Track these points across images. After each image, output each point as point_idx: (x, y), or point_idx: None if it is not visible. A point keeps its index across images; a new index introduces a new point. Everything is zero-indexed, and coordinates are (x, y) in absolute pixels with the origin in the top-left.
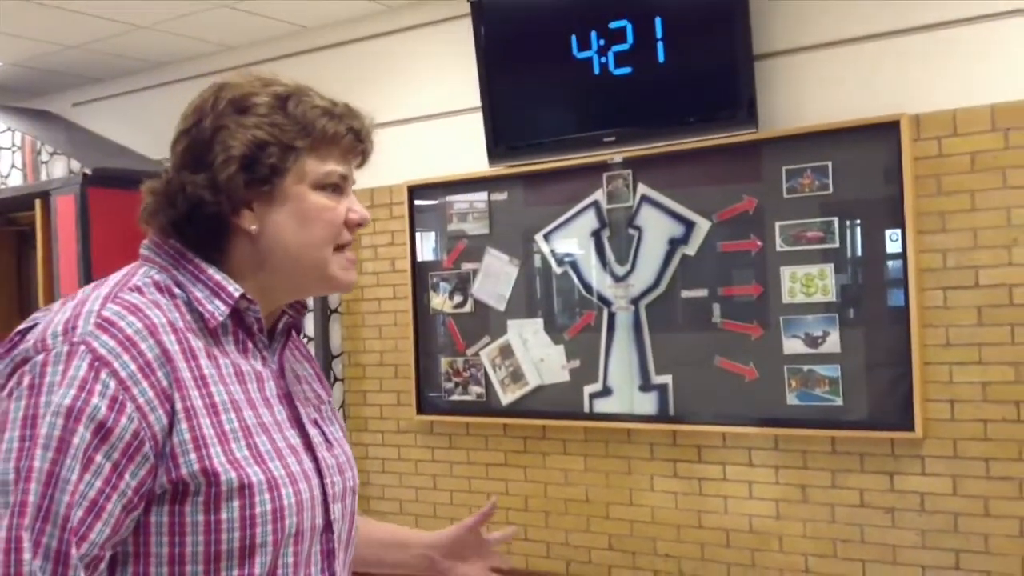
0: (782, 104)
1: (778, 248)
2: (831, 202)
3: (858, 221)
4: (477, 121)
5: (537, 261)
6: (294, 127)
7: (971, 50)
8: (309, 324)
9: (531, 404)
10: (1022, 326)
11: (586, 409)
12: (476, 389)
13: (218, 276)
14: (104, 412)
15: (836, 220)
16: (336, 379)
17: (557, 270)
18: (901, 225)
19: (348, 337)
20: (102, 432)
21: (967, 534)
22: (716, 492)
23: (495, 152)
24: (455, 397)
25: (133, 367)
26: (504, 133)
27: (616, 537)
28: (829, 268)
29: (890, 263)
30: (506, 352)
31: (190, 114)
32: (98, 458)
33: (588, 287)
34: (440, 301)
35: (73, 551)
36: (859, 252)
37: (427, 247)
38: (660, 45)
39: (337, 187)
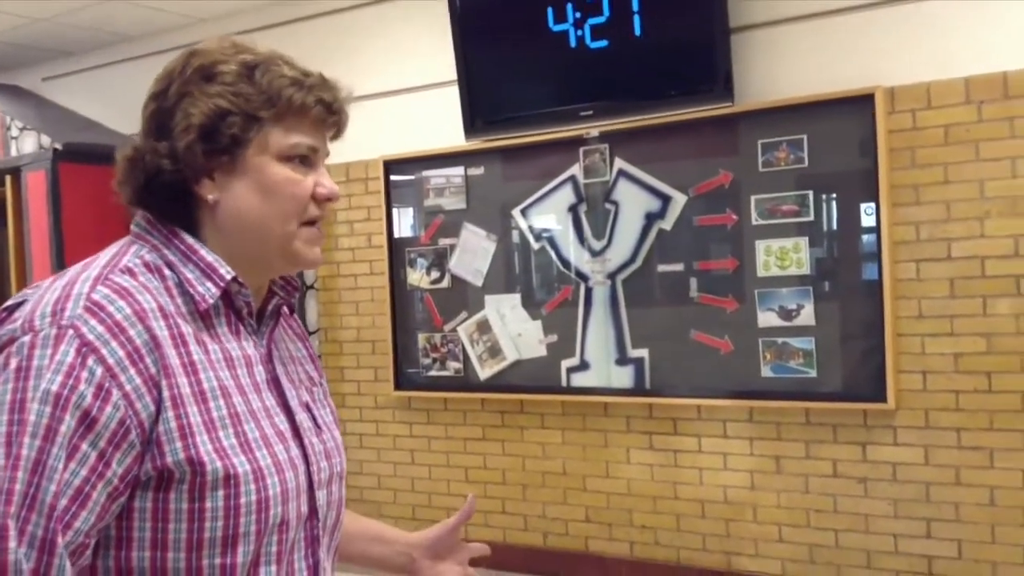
0: (758, 77)
1: (753, 222)
2: (806, 175)
3: (833, 194)
4: (453, 95)
5: (514, 236)
6: (259, 97)
7: (946, 23)
8: None
9: (509, 379)
10: (994, 298)
11: (563, 383)
12: (454, 364)
13: (210, 257)
14: (89, 400)
15: (811, 194)
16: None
17: (534, 245)
18: (875, 198)
19: (325, 314)
20: (87, 421)
21: (938, 503)
22: (692, 464)
23: (472, 126)
24: (433, 373)
25: (121, 354)
26: (481, 107)
27: (593, 509)
28: (804, 241)
29: (864, 236)
30: (484, 327)
31: (159, 80)
32: (84, 446)
33: (565, 262)
34: (417, 277)
35: (59, 539)
36: (833, 225)
37: (404, 222)
38: (636, 18)
39: (305, 159)
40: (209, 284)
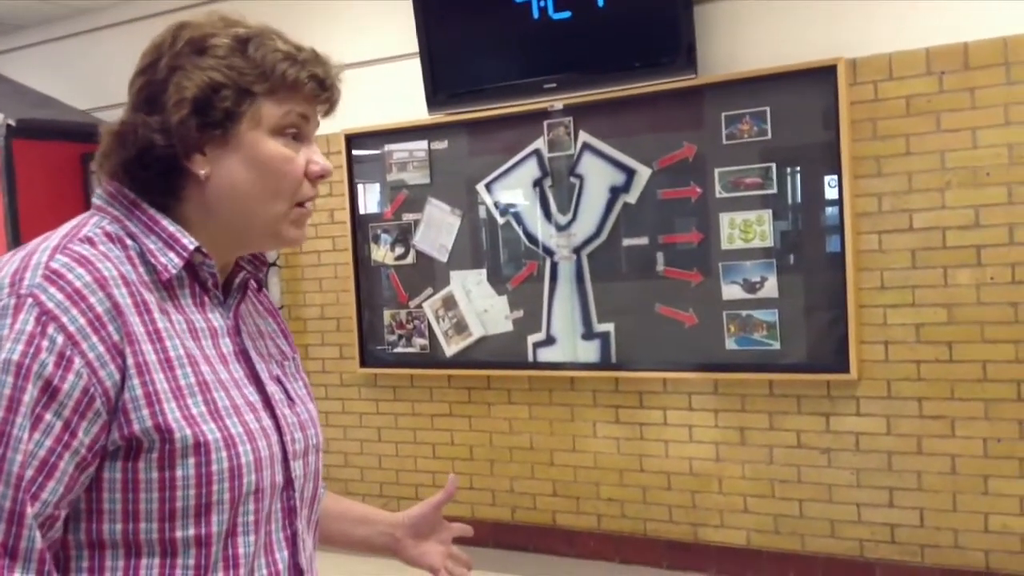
0: (721, 49)
1: (717, 195)
2: (769, 148)
3: (796, 167)
4: (415, 68)
5: (479, 211)
6: (252, 71)
7: None
8: None
9: (475, 355)
10: (954, 268)
11: (530, 358)
12: (420, 341)
13: (172, 228)
14: (51, 369)
15: (774, 166)
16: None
17: (499, 220)
18: (838, 170)
19: (288, 291)
20: (50, 390)
21: (900, 472)
22: (657, 437)
23: (434, 99)
24: (399, 349)
25: (82, 321)
26: (443, 80)
27: (560, 483)
28: (767, 214)
29: (827, 208)
30: (449, 303)
31: (148, 53)
32: (48, 416)
33: (531, 237)
34: (382, 253)
35: (27, 510)
36: (797, 198)
37: (367, 198)
38: None
39: (297, 134)
40: (171, 254)
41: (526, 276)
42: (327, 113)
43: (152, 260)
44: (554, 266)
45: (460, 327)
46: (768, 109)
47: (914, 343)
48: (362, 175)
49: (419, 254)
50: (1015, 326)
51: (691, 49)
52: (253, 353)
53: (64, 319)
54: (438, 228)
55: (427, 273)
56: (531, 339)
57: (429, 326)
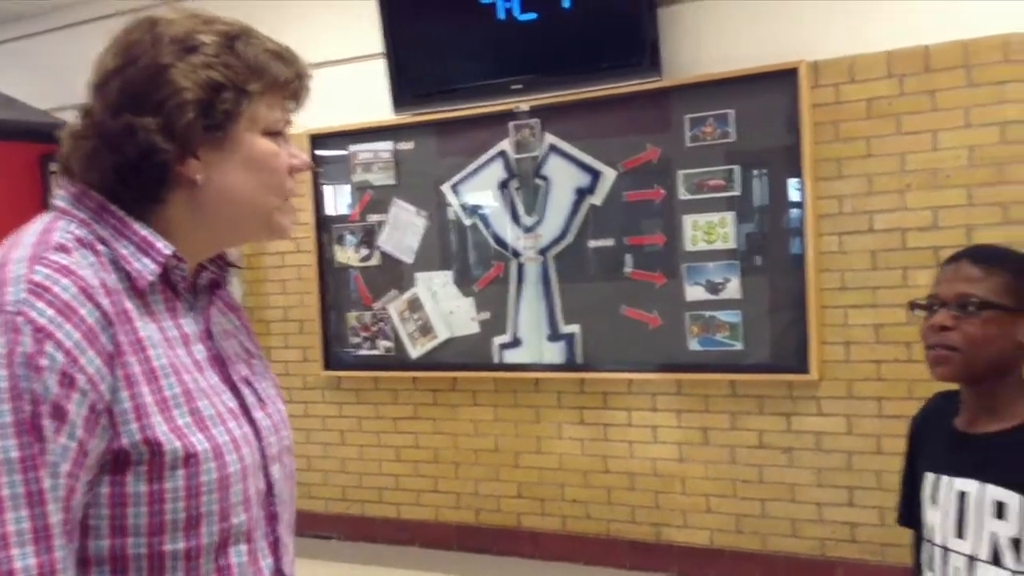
0: (685, 52)
1: (681, 197)
2: (733, 150)
3: (759, 169)
4: (380, 68)
5: (445, 212)
6: (245, 70)
7: None
8: None
9: (441, 356)
10: (914, 269)
11: (496, 360)
12: (384, 343)
13: (144, 231)
14: (56, 390)
15: (737, 168)
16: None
17: (465, 221)
18: (799, 172)
19: (250, 293)
20: (59, 413)
21: (860, 471)
22: (621, 437)
23: (400, 100)
24: (363, 352)
25: (78, 335)
26: (409, 80)
27: (525, 485)
28: (730, 216)
29: (789, 210)
30: (415, 305)
31: (120, 51)
32: (62, 440)
33: (497, 238)
34: (346, 254)
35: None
36: (759, 200)
37: (332, 199)
38: None
39: (281, 133)
40: (146, 260)
41: (492, 278)
42: (295, 110)
43: (126, 266)
44: (520, 268)
45: (425, 329)
46: (731, 112)
47: (874, 343)
48: (327, 176)
49: (384, 255)
50: None
51: (655, 52)
52: (225, 357)
53: (59, 335)
54: (404, 229)
55: (392, 275)
56: (497, 341)
57: (394, 328)
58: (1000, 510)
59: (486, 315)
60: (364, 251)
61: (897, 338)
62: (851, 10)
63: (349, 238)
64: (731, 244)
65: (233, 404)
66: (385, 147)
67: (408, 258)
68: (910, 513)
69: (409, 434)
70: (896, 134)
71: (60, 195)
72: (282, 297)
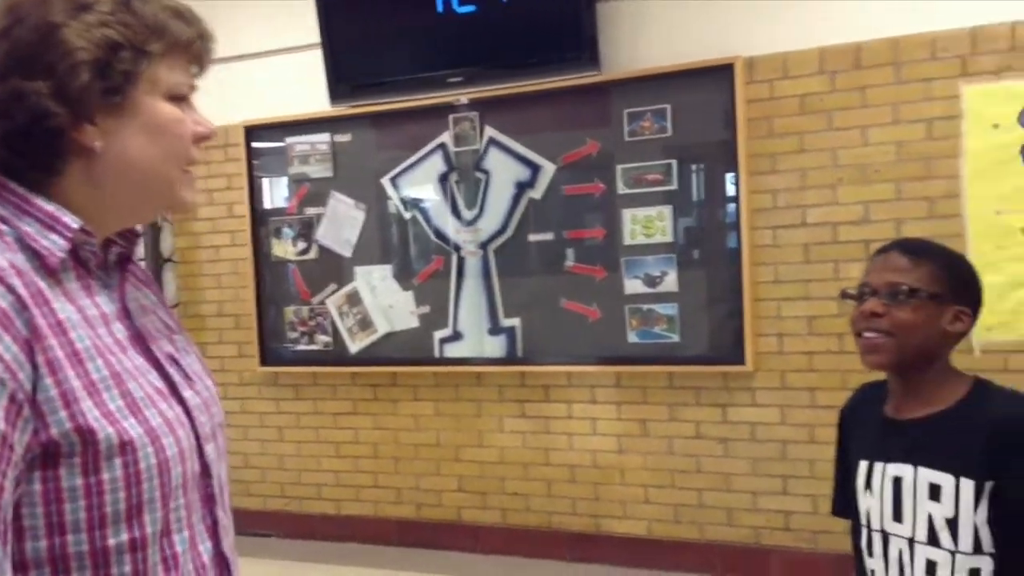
0: (624, 47)
1: (620, 191)
2: (670, 145)
3: (695, 164)
4: (317, 59)
5: (385, 205)
6: (144, 28)
7: None
8: None
9: (380, 351)
10: (845, 262)
11: (436, 354)
12: (323, 338)
13: (49, 207)
14: None
15: (675, 163)
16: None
17: (405, 214)
18: (735, 167)
19: (184, 287)
20: None
21: (794, 460)
22: (562, 430)
23: (337, 91)
24: (301, 347)
25: None
26: (346, 71)
27: (466, 479)
28: (668, 210)
29: (725, 204)
30: (353, 299)
31: (5, 12)
32: None
33: (437, 232)
34: (283, 248)
35: None
36: (696, 194)
37: (268, 191)
38: None
39: (184, 98)
40: (54, 236)
41: (432, 271)
42: (198, 74)
43: (33, 245)
44: (461, 261)
45: (365, 323)
46: (668, 107)
47: (807, 335)
48: (262, 168)
49: (322, 249)
50: None
51: (594, 46)
52: (147, 334)
53: None
54: (342, 222)
55: (331, 269)
56: (437, 335)
57: (333, 323)
58: (935, 492)
59: (426, 309)
60: (302, 244)
61: (829, 330)
62: (786, 8)
63: (286, 231)
64: (668, 238)
65: (161, 384)
66: (322, 139)
67: (347, 252)
68: (844, 502)
69: (348, 430)
70: (828, 130)
71: None
72: (217, 291)
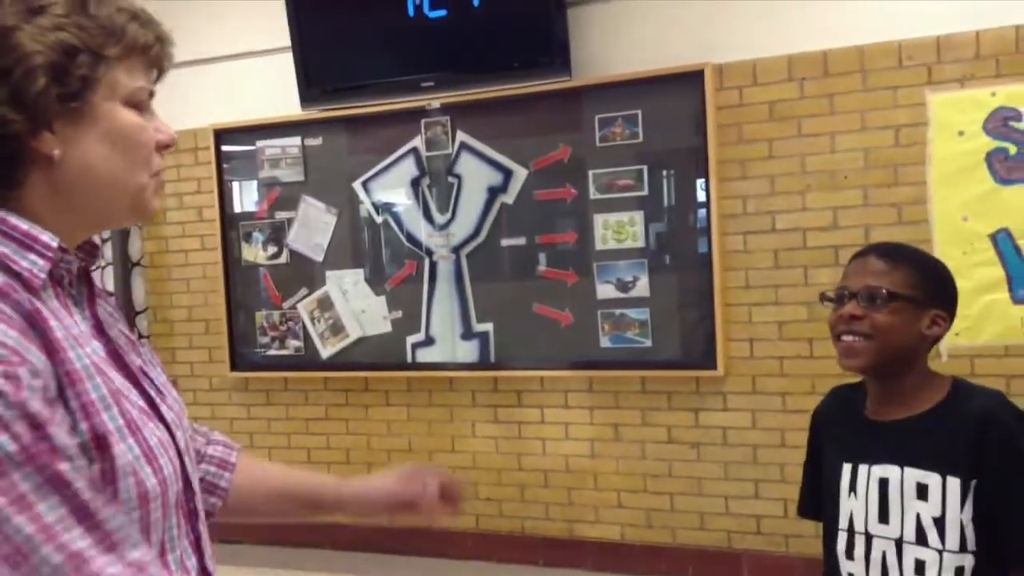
0: (595, 53)
1: (592, 196)
2: (641, 151)
3: (666, 169)
4: (288, 62)
5: (357, 209)
6: (101, 32)
7: (770, 2)
8: (109, 278)
9: (352, 356)
10: (814, 268)
11: (409, 359)
12: (294, 343)
13: (25, 225)
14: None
15: (646, 168)
16: (141, 336)
17: (377, 219)
18: (705, 173)
19: (153, 292)
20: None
21: (765, 464)
22: (535, 435)
23: (307, 95)
24: (272, 352)
25: (15, 333)
26: (317, 75)
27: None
28: (639, 215)
29: (695, 210)
30: (325, 304)
31: None
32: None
33: (409, 236)
34: (254, 252)
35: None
36: (667, 199)
37: (238, 195)
38: None
39: (144, 104)
40: (33, 256)
41: (405, 276)
42: (157, 79)
43: (13, 267)
44: (433, 266)
45: (336, 328)
46: (640, 112)
47: (777, 340)
48: (232, 172)
49: (293, 253)
50: None
51: (565, 51)
52: (120, 349)
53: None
54: (313, 227)
55: (302, 273)
56: (410, 340)
57: (304, 327)
58: (922, 491)
59: (398, 314)
60: (272, 249)
61: (799, 335)
62: (755, 16)
63: (257, 235)
64: (640, 243)
65: (142, 403)
66: (293, 143)
67: (318, 256)
68: (813, 505)
69: (320, 435)
70: (797, 136)
71: None
72: (187, 296)
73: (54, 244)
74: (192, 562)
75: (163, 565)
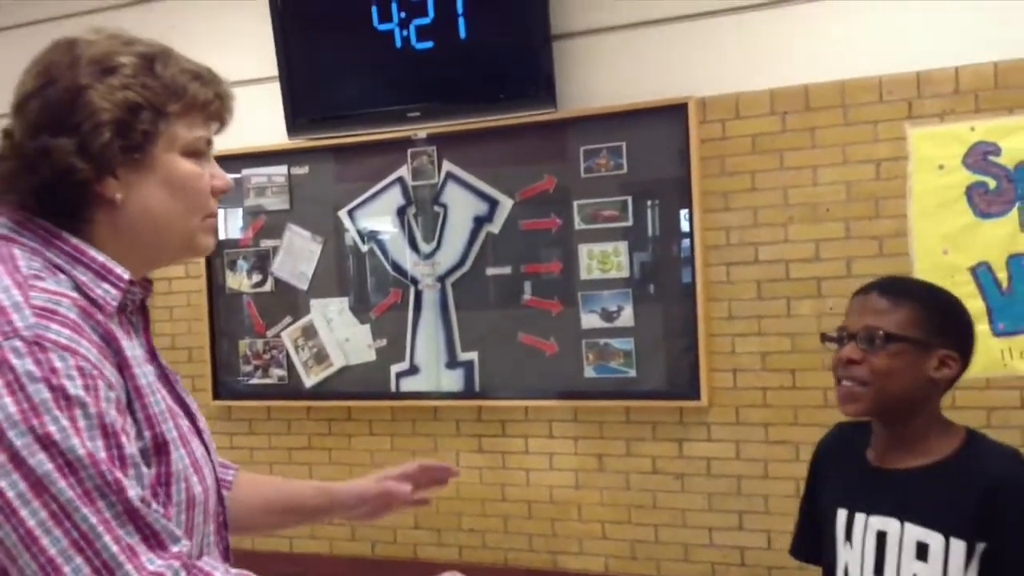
0: (580, 85)
1: (577, 226)
2: (626, 182)
3: (650, 200)
4: (275, 91)
5: (342, 238)
6: (163, 91)
7: (754, 37)
8: None
9: (336, 385)
10: (797, 299)
11: (393, 388)
12: (278, 372)
13: (102, 258)
14: (88, 397)
15: (630, 199)
16: None
17: (362, 247)
18: (689, 204)
19: None
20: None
21: (749, 496)
22: (519, 465)
23: (294, 125)
24: (255, 380)
25: (95, 350)
26: (304, 105)
27: (422, 515)
28: (624, 246)
29: (679, 240)
30: (309, 332)
31: (39, 74)
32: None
33: (394, 265)
34: (238, 280)
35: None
36: (651, 230)
37: (223, 223)
38: (461, 20)
39: (202, 153)
40: (107, 286)
41: (390, 304)
42: (219, 131)
43: (89, 293)
44: (418, 295)
45: (320, 357)
46: (624, 144)
47: (760, 371)
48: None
49: (278, 281)
50: None
51: (550, 83)
52: (170, 376)
53: (82, 350)
54: (298, 255)
55: (286, 301)
56: (394, 369)
57: (288, 356)
58: (922, 551)
59: (383, 342)
60: (257, 277)
61: (782, 366)
62: (738, 50)
63: (241, 263)
64: (624, 273)
65: (187, 422)
66: (279, 171)
67: (303, 284)
68: (808, 547)
69: (303, 465)
70: (779, 169)
71: (2, 223)
72: (169, 324)
73: (126, 276)
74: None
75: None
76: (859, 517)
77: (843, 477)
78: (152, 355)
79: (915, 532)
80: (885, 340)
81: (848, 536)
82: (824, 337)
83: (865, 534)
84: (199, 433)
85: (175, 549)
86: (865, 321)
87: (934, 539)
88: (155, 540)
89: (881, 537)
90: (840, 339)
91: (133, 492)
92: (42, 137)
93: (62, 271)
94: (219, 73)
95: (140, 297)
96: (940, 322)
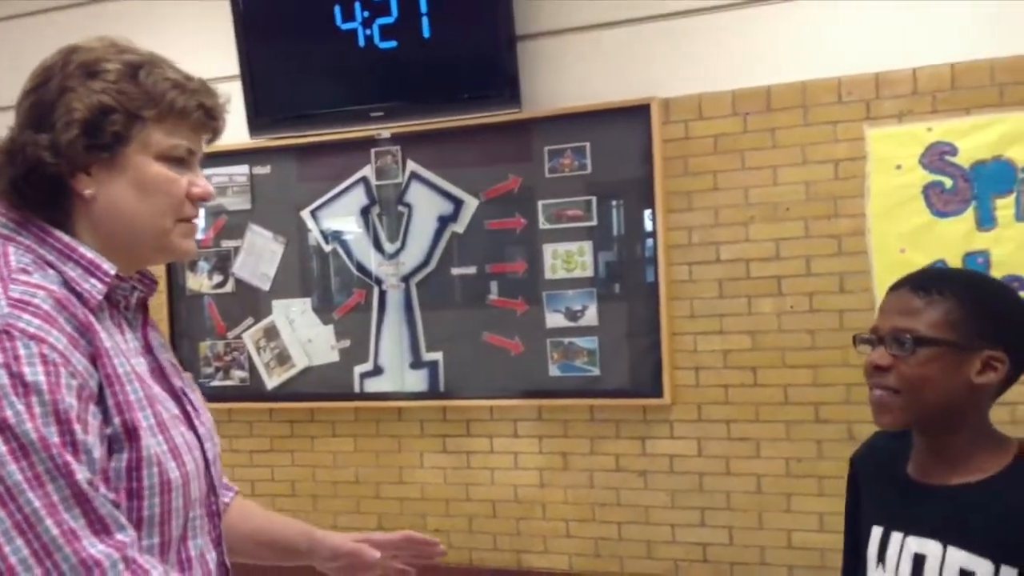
0: (544, 85)
1: (541, 226)
2: (590, 182)
3: (614, 200)
4: (236, 90)
5: (304, 238)
6: (141, 96)
7: (716, 38)
8: None
9: (298, 386)
10: (757, 297)
11: (356, 389)
12: (239, 373)
13: (90, 254)
14: (65, 381)
15: (594, 199)
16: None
17: (326, 247)
18: (652, 204)
19: None
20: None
21: (711, 492)
22: (484, 465)
23: (256, 124)
24: (216, 383)
25: (65, 340)
26: (266, 104)
27: (386, 516)
28: (588, 245)
29: (643, 240)
30: (271, 333)
31: (38, 74)
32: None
33: (358, 265)
34: (199, 281)
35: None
36: (615, 230)
37: None
38: (425, 20)
39: (182, 161)
40: (94, 280)
41: (353, 305)
42: (211, 141)
43: (77, 288)
44: (382, 295)
45: (283, 358)
46: (588, 144)
47: (722, 368)
48: None
49: (239, 282)
50: (812, 352)
51: (515, 84)
52: (165, 369)
53: (50, 339)
54: (259, 255)
55: (248, 302)
56: (358, 369)
57: (249, 357)
58: None
59: (346, 343)
60: (218, 278)
61: (743, 363)
62: (700, 51)
63: (202, 264)
64: (589, 272)
65: (177, 411)
66: (240, 171)
67: (264, 285)
68: (856, 570)
69: (265, 467)
70: (740, 169)
71: (1, 222)
72: None
73: (112, 272)
74: (212, 555)
75: (183, 549)
76: (895, 536)
77: (880, 491)
78: (148, 349)
79: (959, 557)
80: (915, 344)
81: (881, 558)
82: (857, 339)
83: (900, 556)
84: (190, 424)
85: (119, 537)
86: (894, 322)
87: (982, 566)
88: (100, 525)
89: (919, 561)
90: (871, 341)
91: (82, 476)
92: (26, 132)
93: (52, 267)
94: (212, 86)
95: (142, 295)
96: (982, 320)
